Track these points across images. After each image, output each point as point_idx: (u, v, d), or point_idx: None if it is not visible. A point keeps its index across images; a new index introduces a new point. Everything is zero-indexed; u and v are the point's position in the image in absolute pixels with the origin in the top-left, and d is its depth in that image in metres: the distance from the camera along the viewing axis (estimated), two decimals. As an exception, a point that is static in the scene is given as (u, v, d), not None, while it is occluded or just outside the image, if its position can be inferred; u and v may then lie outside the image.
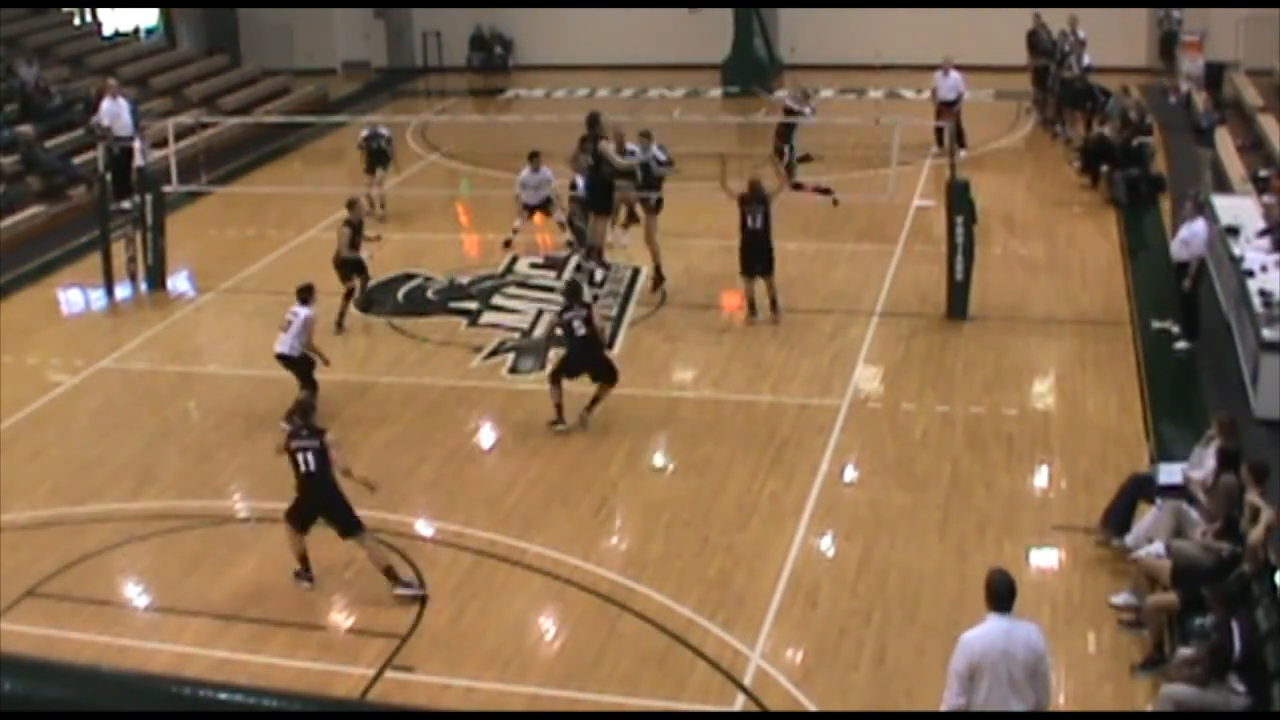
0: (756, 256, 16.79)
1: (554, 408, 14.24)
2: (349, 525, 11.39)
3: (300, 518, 11.52)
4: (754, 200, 16.74)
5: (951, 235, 16.41)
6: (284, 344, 14.34)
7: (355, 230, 17.16)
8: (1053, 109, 25.59)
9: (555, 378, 14.38)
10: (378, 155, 21.98)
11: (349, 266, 17.22)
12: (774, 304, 16.94)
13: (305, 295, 14.49)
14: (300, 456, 11.30)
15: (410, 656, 10.53)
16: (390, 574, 11.38)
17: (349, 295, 17.21)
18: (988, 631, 7.99)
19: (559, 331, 14.58)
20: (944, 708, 8.12)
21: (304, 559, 11.63)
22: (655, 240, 18.14)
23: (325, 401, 15.11)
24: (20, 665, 4.33)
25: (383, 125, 22.53)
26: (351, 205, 17.43)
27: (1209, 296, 16.31)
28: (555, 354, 16.17)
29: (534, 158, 19.41)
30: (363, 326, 17.37)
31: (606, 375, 14.37)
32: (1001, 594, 8.03)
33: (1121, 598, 10.70)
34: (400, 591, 11.34)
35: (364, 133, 22.34)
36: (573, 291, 14.79)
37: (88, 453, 14.29)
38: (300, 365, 14.46)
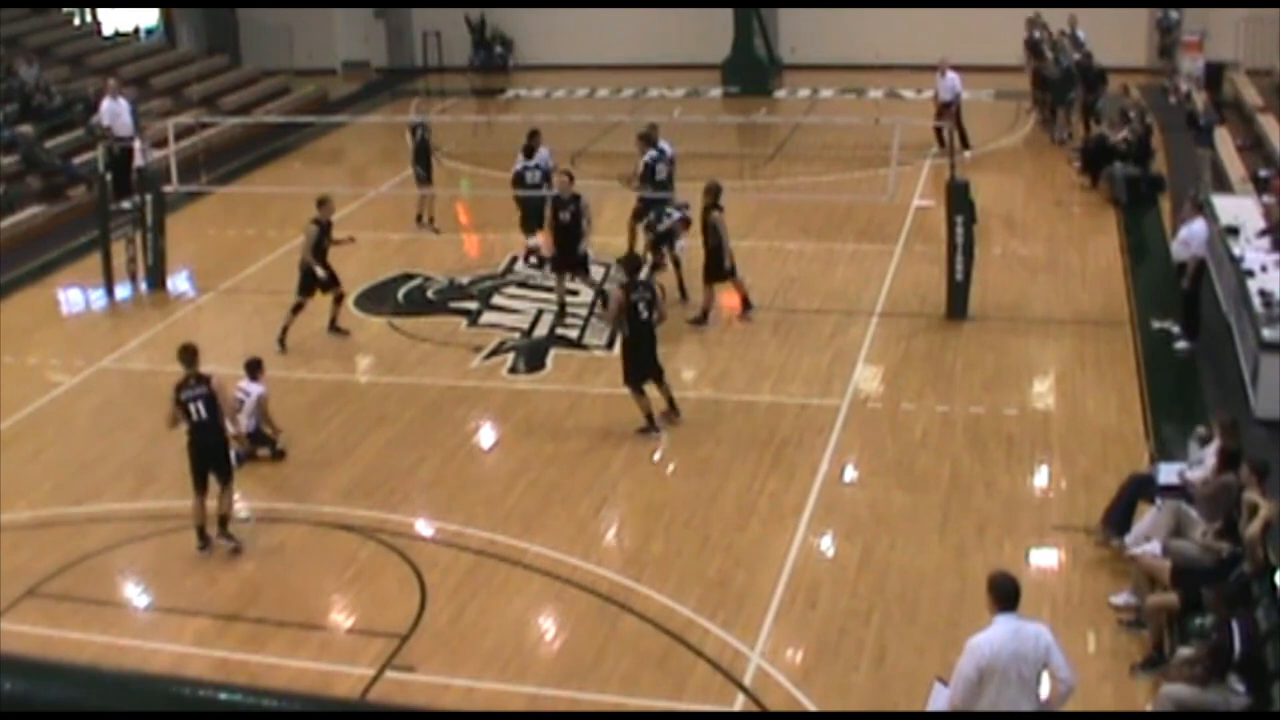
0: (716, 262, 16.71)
1: (644, 416, 13.89)
2: (222, 470, 12.06)
3: (197, 473, 12.00)
4: (716, 206, 16.59)
5: (951, 235, 16.40)
6: (239, 427, 13.06)
7: (323, 232, 16.27)
8: (1050, 109, 25.54)
9: (637, 385, 13.89)
10: (422, 150, 20.87)
11: (308, 276, 16.37)
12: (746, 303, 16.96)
13: (255, 371, 13.83)
14: (192, 406, 11.90)
15: (410, 656, 10.53)
16: (223, 522, 12.12)
17: (296, 309, 16.31)
18: (998, 634, 8.00)
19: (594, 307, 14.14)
20: (946, 707, 8.15)
21: (202, 531, 12.08)
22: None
23: (326, 402, 15.15)
24: (20, 665, 4.31)
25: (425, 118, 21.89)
26: (322, 203, 16.48)
27: (1209, 296, 16.30)
28: (555, 353, 16.26)
29: (533, 136, 19.27)
30: (362, 326, 17.36)
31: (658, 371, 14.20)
32: (1007, 594, 8.07)
33: (1122, 598, 10.71)
34: (224, 544, 12.08)
35: (413, 119, 21.49)
36: (634, 266, 14.43)
37: (88, 453, 14.30)
38: (258, 437, 13.72)
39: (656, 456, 13.73)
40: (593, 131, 24.14)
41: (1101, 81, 24.39)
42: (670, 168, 18.33)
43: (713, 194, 16.64)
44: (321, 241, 16.39)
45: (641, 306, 13.88)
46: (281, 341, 16.26)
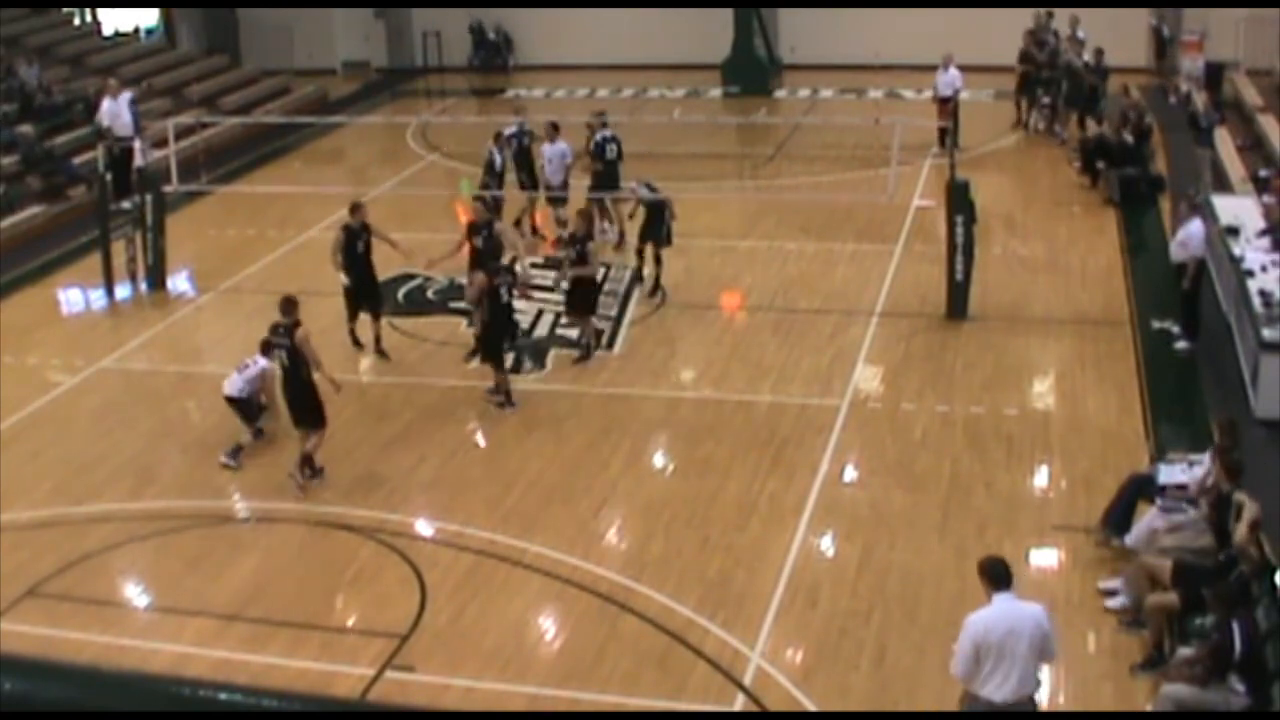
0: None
1: (502, 390, 14.63)
2: (306, 419, 13.00)
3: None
4: (590, 236, 16.07)
5: (951, 235, 16.40)
6: (233, 386, 13.79)
7: (352, 237, 15.81)
8: (1048, 115, 25.44)
9: (498, 360, 14.65)
10: (523, 157, 20.31)
11: (364, 283, 16.05)
12: (600, 341, 16.24)
13: (267, 350, 13.71)
14: (275, 353, 12.94)
15: (410, 656, 10.53)
16: (307, 461, 13.05)
17: (376, 317, 16.17)
18: (993, 612, 8.34)
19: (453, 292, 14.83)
20: (952, 673, 8.53)
21: (309, 460, 13.09)
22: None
23: (326, 402, 15.12)
24: (20, 665, 4.31)
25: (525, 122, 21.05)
26: (353, 209, 16.05)
27: (1209, 296, 16.30)
28: (555, 353, 16.24)
29: (555, 129, 19.67)
30: (362, 326, 17.32)
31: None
32: (998, 575, 8.45)
33: (1112, 588, 10.71)
34: (298, 479, 12.99)
35: (510, 129, 20.71)
36: (495, 252, 14.78)
37: (88, 453, 14.29)
38: (247, 407, 13.92)
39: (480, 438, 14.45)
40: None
41: (1103, 80, 24.40)
42: (618, 149, 19.46)
43: (589, 220, 16.31)
44: (353, 247, 15.84)
45: (503, 290, 14.51)
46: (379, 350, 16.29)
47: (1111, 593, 10.79)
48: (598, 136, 19.56)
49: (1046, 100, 25.17)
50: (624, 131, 20.12)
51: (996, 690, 8.25)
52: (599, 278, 16.27)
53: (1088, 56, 24.76)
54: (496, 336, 14.71)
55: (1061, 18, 25.96)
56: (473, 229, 16.46)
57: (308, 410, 12.99)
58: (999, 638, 8.22)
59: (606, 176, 19.37)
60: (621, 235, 19.47)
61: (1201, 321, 15.73)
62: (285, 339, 12.80)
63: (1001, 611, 8.33)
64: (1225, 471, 10.49)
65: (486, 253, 15.91)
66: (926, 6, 30.19)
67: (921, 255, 18.62)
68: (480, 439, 14.53)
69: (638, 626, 10.80)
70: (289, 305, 12.95)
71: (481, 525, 12.41)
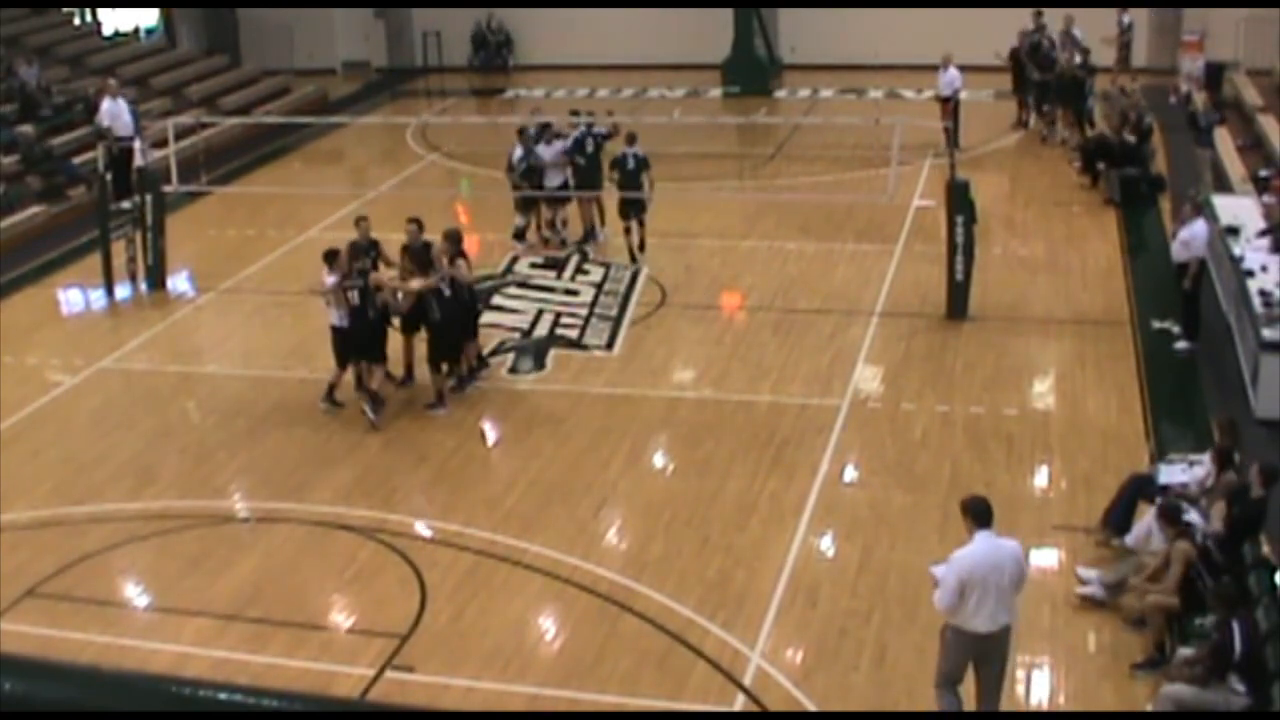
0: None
1: (437, 394, 14.69)
2: (371, 354, 14.24)
3: (345, 353, 14.34)
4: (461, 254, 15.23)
5: (951, 235, 16.40)
6: (340, 318, 14.36)
7: (354, 255, 14.88)
8: (1042, 113, 25.38)
9: (441, 365, 14.74)
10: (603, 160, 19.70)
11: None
12: (474, 370, 15.46)
13: (332, 260, 14.29)
14: (348, 294, 14.01)
15: (410, 656, 10.54)
16: (374, 396, 14.24)
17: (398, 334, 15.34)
18: (978, 549, 8.73)
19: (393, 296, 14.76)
20: (936, 606, 8.94)
21: (331, 390, 14.59)
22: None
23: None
24: (20, 665, 4.31)
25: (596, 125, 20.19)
26: (358, 223, 15.49)
27: (1209, 296, 16.30)
28: (555, 353, 16.25)
29: (546, 128, 19.78)
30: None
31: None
32: (981, 513, 8.86)
33: (1089, 590, 10.73)
34: (369, 415, 14.15)
35: (532, 126, 20.06)
36: (424, 256, 14.83)
37: (88, 453, 14.29)
38: (347, 337, 14.33)
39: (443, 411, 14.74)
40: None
41: (1089, 77, 24.39)
42: (597, 143, 19.69)
43: (454, 241, 15.08)
44: (362, 261, 14.90)
45: (443, 286, 14.57)
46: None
47: (1086, 581, 10.82)
48: (577, 133, 19.71)
49: (1046, 107, 25.14)
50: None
51: (982, 623, 8.73)
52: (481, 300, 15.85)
53: (1079, 57, 24.71)
54: (448, 336, 14.68)
55: (1058, 18, 25.88)
56: (407, 251, 15.20)
57: (371, 343, 14.26)
58: (983, 573, 8.64)
59: (585, 173, 19.46)
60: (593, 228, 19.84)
61: (1202, 321, 15.73)
62: (361, 280, 14.06)
63: (985, 548, 8.74)
64: (1261, 476, 10.46)
65: (424, 264, 15.00)
66: (926, 6, 30.17)
67: (921, 255, 18.61)
68: (480, 439, 14.45)
69: (638, 626, 10.80)
70: (357, 254, 14.36)
71: (481, 525, 12.42)
